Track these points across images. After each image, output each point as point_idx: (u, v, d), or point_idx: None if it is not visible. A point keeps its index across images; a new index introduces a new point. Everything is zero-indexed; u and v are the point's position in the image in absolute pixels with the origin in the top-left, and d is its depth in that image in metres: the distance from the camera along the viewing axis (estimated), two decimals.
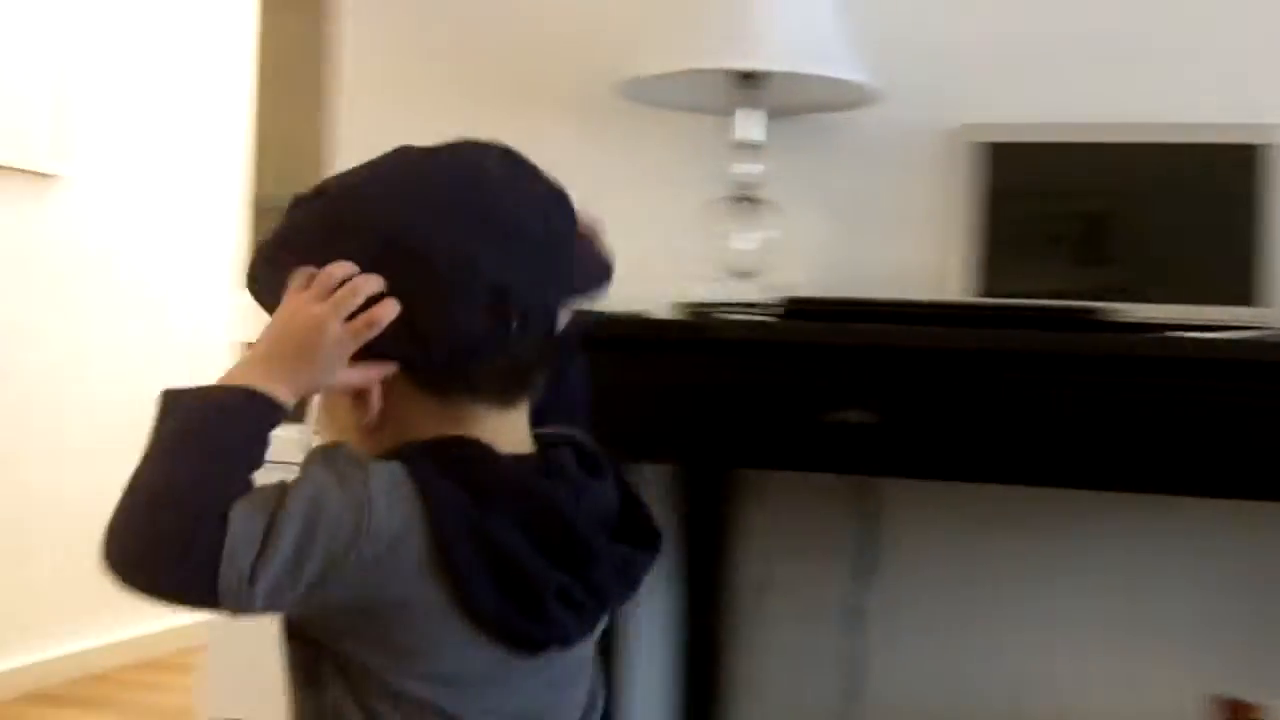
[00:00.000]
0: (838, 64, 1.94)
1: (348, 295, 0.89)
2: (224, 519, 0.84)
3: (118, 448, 3.59)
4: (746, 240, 2.00)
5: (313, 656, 0.94)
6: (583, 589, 0.94)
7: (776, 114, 2.03)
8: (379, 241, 0.91)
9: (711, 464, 2.15)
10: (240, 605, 0.85)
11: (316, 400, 0.96)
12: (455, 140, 1.00)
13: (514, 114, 2.34)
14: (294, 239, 0.97)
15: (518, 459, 0.94)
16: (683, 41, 1.94)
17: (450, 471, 0.89)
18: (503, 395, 0.95)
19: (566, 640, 0.96)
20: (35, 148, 3.28)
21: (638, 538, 1.00)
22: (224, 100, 3.99)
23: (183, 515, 0.84)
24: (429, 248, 0.91)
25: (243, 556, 0.84)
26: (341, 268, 0.90)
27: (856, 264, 2.16)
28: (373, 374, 0.91)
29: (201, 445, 0.86)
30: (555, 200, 1.00)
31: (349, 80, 2.49)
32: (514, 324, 0.91)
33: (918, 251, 2.11)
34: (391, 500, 0.87)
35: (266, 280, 0.95)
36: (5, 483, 3.27)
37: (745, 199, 2.00)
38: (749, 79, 1.97)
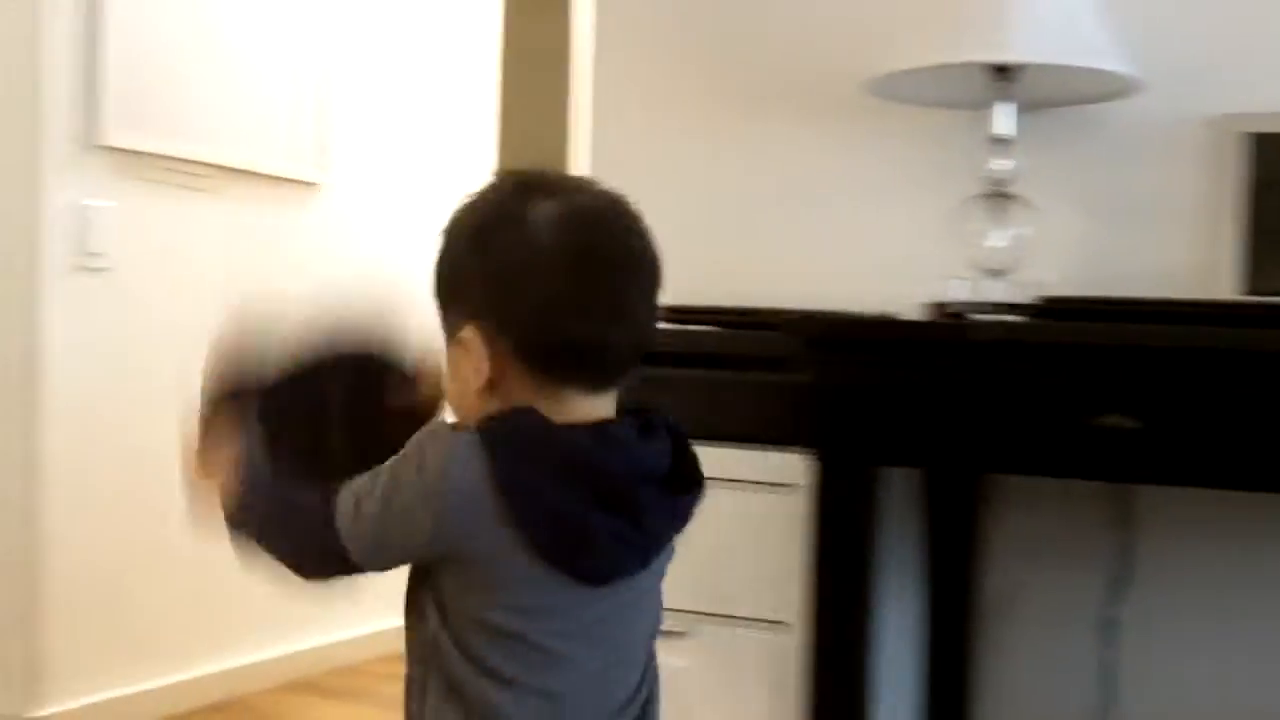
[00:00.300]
0: (1096, 54, 1.87)
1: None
2: (329, 519, 1.09)
3: None
4: (998, 238, 1.95)
5: (418, 595, 1.11)
6: (632, 530, 1.09)
7: (1030, 107, 1.97)
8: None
9: (964, 469, 2.11)
10: (362, 568, 1.10)
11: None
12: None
13: (759, 113, 2.34)
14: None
15: (572, 427, 1.09)
16: (935, 36, 1.91)
17: (513, 438, 1.06)
18: (591, 385, 1.11)
19: (623, 573, 1.10)
20: (301, 157, 3.43)
21: (683, 485, 1.15)
22: (471, 105, 4.10)
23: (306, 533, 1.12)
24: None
25: (347, 538, 1.08)
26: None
27: (1112, 261, 2.09)
28: (469, 335, 1.11)
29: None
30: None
31: (596, 82, 2.51)
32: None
33: (1177, 248, 2.03)
34: (465, 467, 1.05)
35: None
36: None
37: (997, 195, 1.95)
38: (1003, 72, 1.92)
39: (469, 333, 1.11)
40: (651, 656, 1.22)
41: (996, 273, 1.94)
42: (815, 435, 1.82)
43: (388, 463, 1.08)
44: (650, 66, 2.46)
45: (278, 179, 3.36)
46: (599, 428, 1.10)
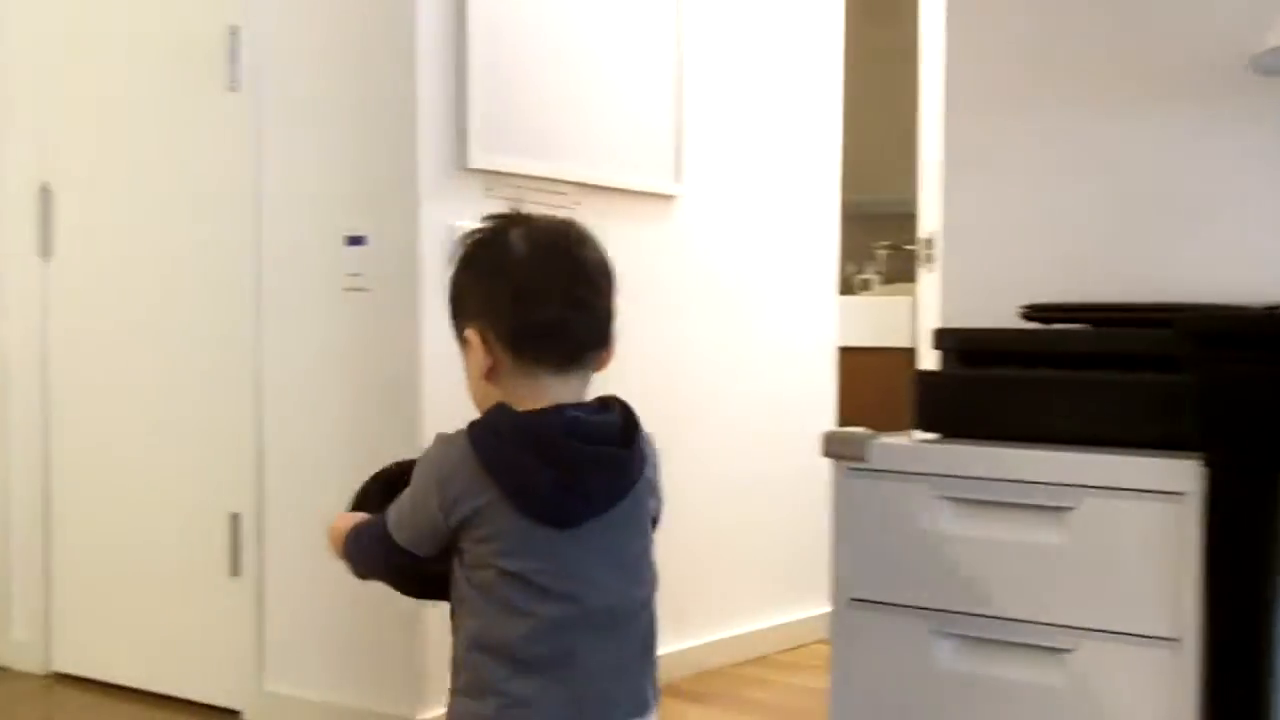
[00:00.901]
0: None
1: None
2: (384, 533, 1.50)
3: (734, 446, 3.78)
4: None
5: (449, 557, 1.48)
6: (572, 480, 1.42)
7: None
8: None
9: None
10: (416, 555, 1.49)
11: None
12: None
13: (1126, 98, 2.24)
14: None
15: (534, 411, 1.44)
16: None
17: (487, 424, 1.44)
18: (558, 364, 1.48)
19: (583, 516, 1.44)
20: (657, 171, 3.49)
21: (625, 444, 1.48)
22: (817, 112, 4.08)
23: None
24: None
25: (396, 533, 1.49)
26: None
27: None
28: (471, 335, 1.50)
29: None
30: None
31: (948, 82, 2.46)
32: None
33: None
34: (452, 451, 1.44)
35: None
36: None
37: None
38: None
39: (471, 333, 1.49)
40: (648, 588, 1.57)
41: None
42: (1206, 439, 1.72)
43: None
44: (1005, 62, 2.39)
45: (635, 193, 3.43)
46: (555, 408, 1.45)
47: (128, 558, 3.41)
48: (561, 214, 3.23)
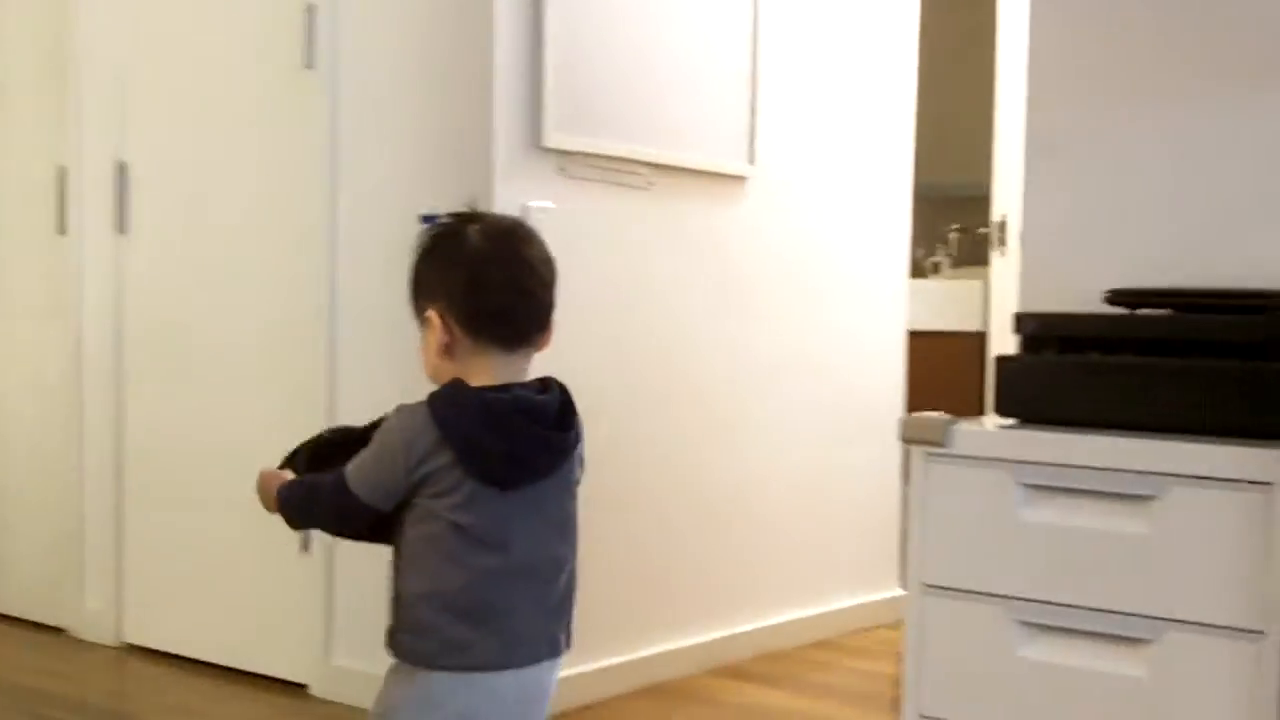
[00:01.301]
0: None
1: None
2: (342, 484, 1.68)
3: (801, 429, 3.78)
4: None
5: (399, 523, 1.69)
6: (511, 448, 1.65)
7: None
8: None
9: None
10: (371, 507, 1.68)
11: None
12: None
13: (1216, 87, 2.21)
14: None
15: (485, 388, 1.66)
16: None
17: (443, 396, 1.65)
18: (506, 344, 1.69)
19: (513, 480, 1.65)
20: (730, 151, 3.48)
21: (560, 426, 1.69)
22: (890, 93, 4.05)
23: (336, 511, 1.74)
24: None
25: (356, 486, 1.67)
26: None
27: None
28: (432, 314, 1.69)
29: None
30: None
31: (1031, 64, 2.43)
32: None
33: None
34: (416, 418, 1.64)
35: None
36: (701, 468, 3.50)
37: None
38: None
39: (431, 313, 1.68)
40: (571, 547, 1.74)
41: None
42: None
43: (374, 436, 1.69)
44: (1090, 47, 2.35)
45: (708, 174, 3.42)
46: (504, 386, 1.67)
47: (200, 531, 3.45)
48: (634, 194, 3.28)
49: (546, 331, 1.73)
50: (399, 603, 1.70)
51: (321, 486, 1.72)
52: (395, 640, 1.70)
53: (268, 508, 1.78)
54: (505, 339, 1.69)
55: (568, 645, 1.75)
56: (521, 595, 1.67)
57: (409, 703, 1.68)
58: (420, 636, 1.67)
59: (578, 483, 1.76)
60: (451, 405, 1.64)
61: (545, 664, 1.71)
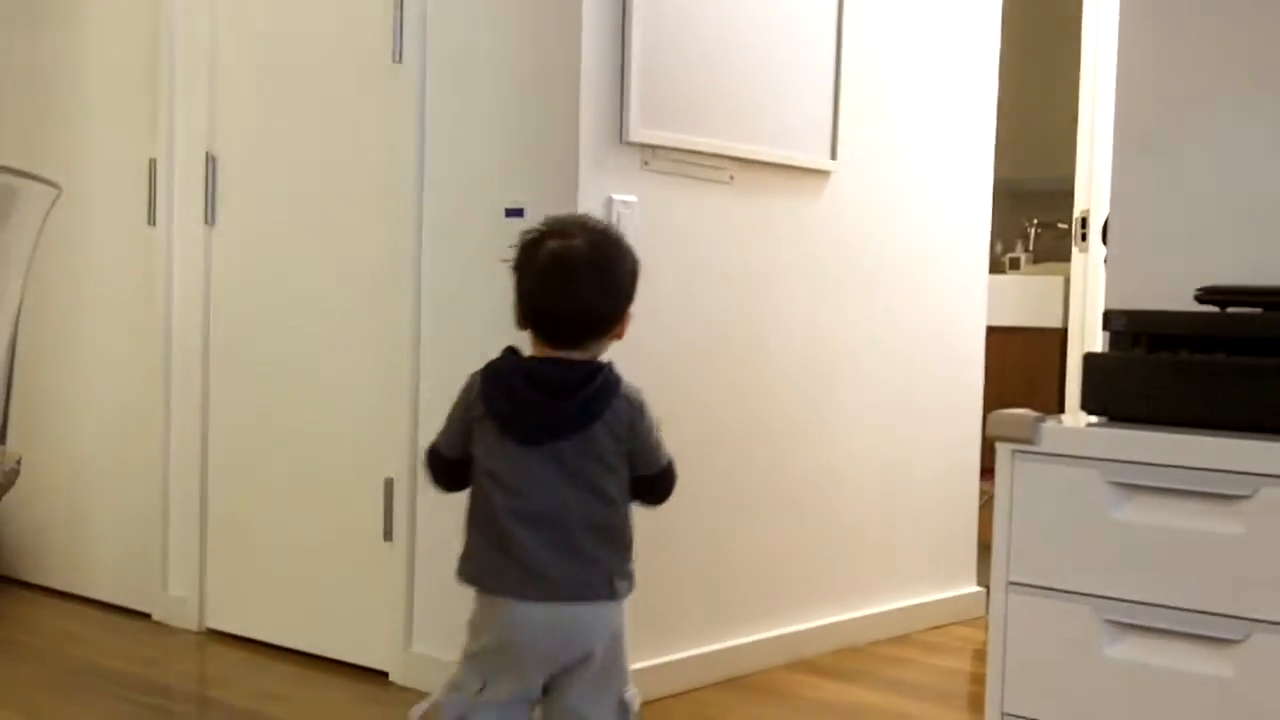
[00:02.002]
0: None
1: None
2: (434, 446, 2.13)
3: (881, 424, 3.77)
4: None
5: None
6: (519, 411, 2.00)
7: None
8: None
9: None
10: (448, 455, 2.11)
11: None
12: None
13: None
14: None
15: (518, 359, 2.03)
16: None
17: (491, 364, 2.04)
18: (550, 340, 2.03)
19: (531, 438, 1.99)
20: (813, 146, 3.47)
21: (570, 395, 2.00)
22: (972, 87, 4.03)
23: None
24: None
25: (439, 443, 2.12)
26: None
27: None
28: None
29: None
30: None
31: (1121, 54, 2.40)
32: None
33: None
34: (473, 382, 2.05)
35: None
36: (781, 461, 3.50)
37: None
38: None
39: (518, 307, 2.04)
40: (599, 503, 2.01)
41: None
42: None
43: None
44: (1183, 42, 2.33)
45: (791, 168, 3.42)
46: (530, 359, 2.03)
47: (283, 519, 3.50)
48: (717, 188, 3.28)
49: (599, 334, 2.04)
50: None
51: (427, 452, 2.13)
52: (459, 566, 2.06)
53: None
54: (549, 339, 2.04)
55: (612, 595, 2.01)
56: (536, 536, 1.98)
57: (471, 621, 2.06)
58: (468, 560, 2.06)
59: (616, 452, 2.01)
60: (489, 368, 2.05)
61: (582, 605, 2.00)
